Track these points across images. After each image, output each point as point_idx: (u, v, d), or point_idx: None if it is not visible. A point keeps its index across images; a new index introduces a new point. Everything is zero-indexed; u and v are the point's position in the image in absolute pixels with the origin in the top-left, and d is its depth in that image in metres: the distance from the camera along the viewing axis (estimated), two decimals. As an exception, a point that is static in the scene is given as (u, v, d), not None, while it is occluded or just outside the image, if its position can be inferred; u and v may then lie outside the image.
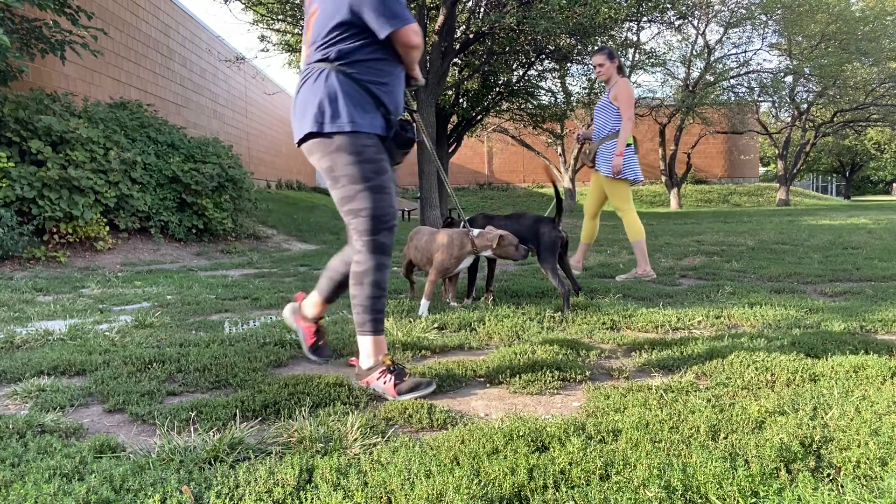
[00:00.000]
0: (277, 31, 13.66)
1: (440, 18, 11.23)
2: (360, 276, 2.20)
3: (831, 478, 1.43)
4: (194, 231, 8.54)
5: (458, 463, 1.54)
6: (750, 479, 1.37)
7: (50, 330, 3.15)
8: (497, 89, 16.58)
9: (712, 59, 24.08)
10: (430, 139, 11.52)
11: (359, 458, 1.59)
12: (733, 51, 24.86)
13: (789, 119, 26.95)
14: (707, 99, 22.33)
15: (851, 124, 28.62)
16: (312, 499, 1.37)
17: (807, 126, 26.87)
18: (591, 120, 5.36)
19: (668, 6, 15.32)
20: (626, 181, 4.99)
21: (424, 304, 3.60)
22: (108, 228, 7.14)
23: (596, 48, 5.96)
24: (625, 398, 2.01)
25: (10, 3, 5.86)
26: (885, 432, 1.61)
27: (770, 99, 25.88)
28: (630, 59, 19.25)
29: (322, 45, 2.22)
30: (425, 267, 3.81)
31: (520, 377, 2.30)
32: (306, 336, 2.43)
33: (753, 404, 1.86)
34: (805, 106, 25.93)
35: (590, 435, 1.68)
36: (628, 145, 4.97)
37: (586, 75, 20.09)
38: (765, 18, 23.12)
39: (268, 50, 13.69)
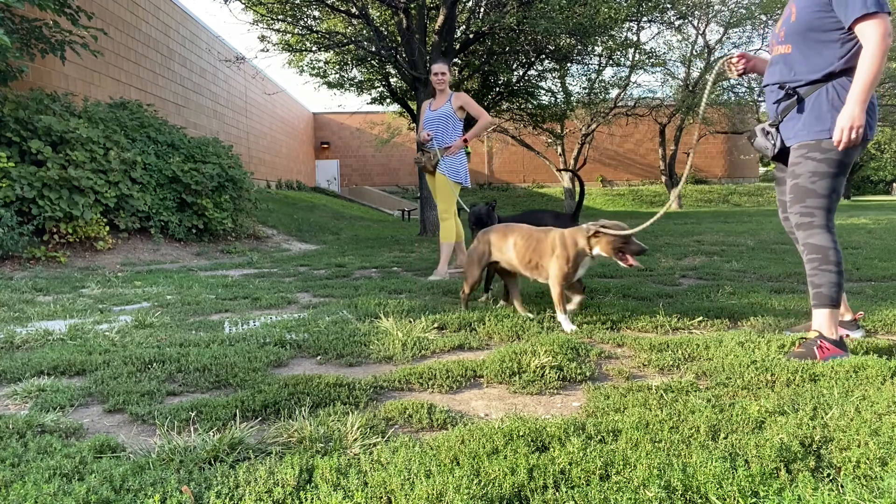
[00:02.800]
0: (277, 31, 13.65)
1: (440, 18, 11.23)
2: None
3: (831, 478, 1.43)
4: (194, 231, 8.54)
5: (458, 463, 1.53)
6: (750, 479, 1.37)
7: (50, 330, 3.15)
8: (497, 89, 16.58)
9: (712, 59, 24.08)
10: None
11: (359, 458, 1.59)
12: (733, 51, 24.84)
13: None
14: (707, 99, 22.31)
15: (851, 124, 28.56)
16: (312, 499, 1.37)
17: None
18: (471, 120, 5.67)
19: (668, 6, 15.32)
20: (459, 185, 5.35)
21: (563, 318, 3.15)
22: (108, 228, 7.14)
23: (438, 58, 6.26)
24: (625, 398, 2.00)
25: (10, 3, 5.86)
26: (885, 432, 1.61)
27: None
28: (630, 59, 19.26)
29: None
30: (530, 273, 3.33)
31: (520, 377, 2.30)
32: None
33: (753, 404, 1.86)
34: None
35: (590, 435, 1.68)
36: (468, 153, 5.41)
37: (586, 75, 20.10)
38: (765, 18, 23.11)
39: (268, 50, 13.67)
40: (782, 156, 2.78)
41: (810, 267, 2.62)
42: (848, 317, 2.88)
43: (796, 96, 2.63)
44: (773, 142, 2.73)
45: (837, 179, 2.59)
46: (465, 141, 5.33)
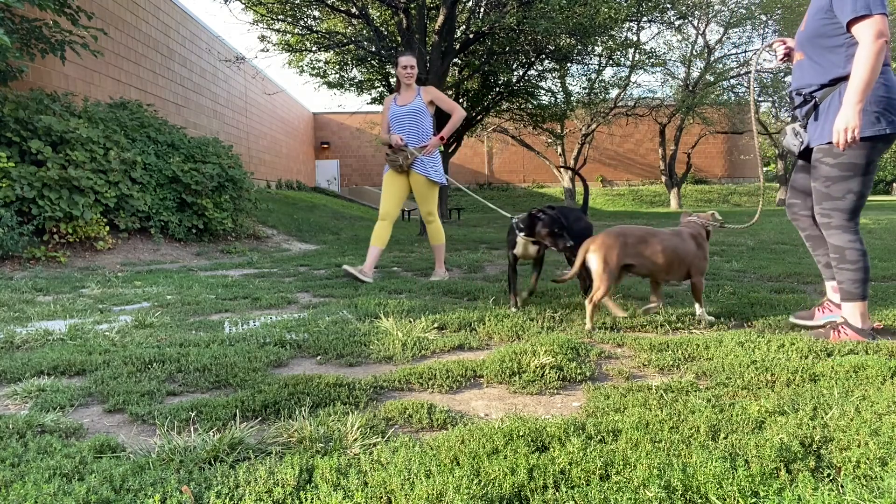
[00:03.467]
0: (277, 31, 13.65)
1: (440, 18, 11.23)
2: None
3: (831, 478, 1.43)
4: (194, 231, 8.54)
5: (458, 463, 1.53)
6: (750, 479, 1.37)
7: (50, 330, 3.15)
8: (497, 89, 16.58)
9: (712, 59, 24.09)
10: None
11: (359, 458, 1.59)
12: (733, 51, 24.88)
13: (789, 119, 26.96)
14: (707, 99, 22.34)
15: (851, 124, 28.54)
16: (312, 499, 1.37)
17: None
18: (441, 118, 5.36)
19: (668, 6, 15.32)
20: (437, 185, 5.11)
21: (704, 311, 3.30)
22: (108, 228, 7.14)
23: (406, 50, 5.81)
24: (625, 398, 2.00)
25: (10, 3, 5.86)
26: (885, 432, 1.61)
27: (770, 99, 25.88)
28: (630, 59, 19.25)
29: None
30: (667, 275, 3.29)
31: (520, 377, 2.30)
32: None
33: (753, 404, 1.86)
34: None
35: (590, 435, 1.68)
36: (440, 151, 5.14)
37: (586, 75, 20.11)
38: (765, 18, 23.12)
39: (268, 50, 13.68)
40: (807, 154, 2.94)
41: (834, 265, 2.82)
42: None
43: (813, 101, 2.76)
44: (800, 140, 2.88)
45: (852, 181, 2.68)
46: (442, 139, 5.12)
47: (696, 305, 3.31)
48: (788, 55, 3.05)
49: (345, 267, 5.12)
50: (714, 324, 3.21)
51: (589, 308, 3.17)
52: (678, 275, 3.28)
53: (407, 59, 5.09)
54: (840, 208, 2.74)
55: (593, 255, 3.19)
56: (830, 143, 2.68)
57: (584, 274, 3.49)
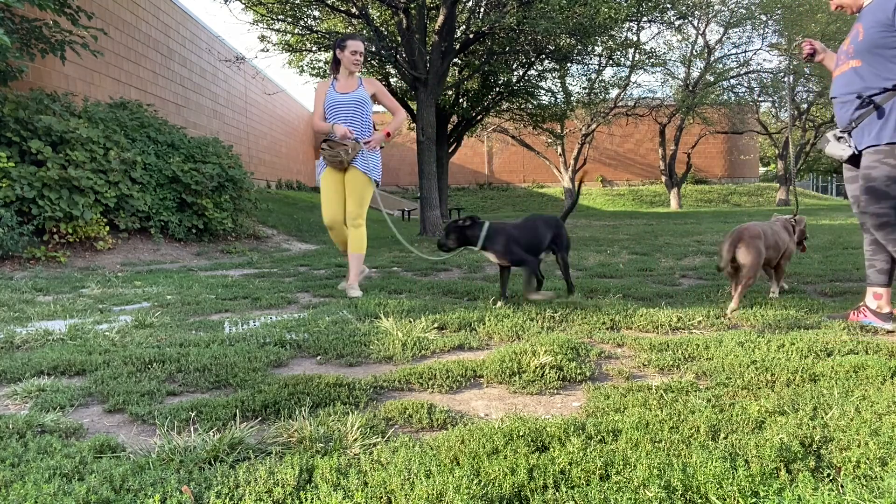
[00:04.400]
0: (277, 31, 13.64)
1: (440, 18, 11.22)
2: None
3: (831, 478, 1.43)
4: (194, 231, 8.54)
5: (458, 463, 1.54)
6: (750, 479, 1.37)
7: (50, 330, 3.15)
8: (497, 89, 16.57)
9: (712, 59, 24.09)
10: (431, 139, 11.51)
11: (359, 458, 1.59)
12: (733, 51, 24.88)
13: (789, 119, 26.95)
14: (707, 99, 22.33)
15: (851, 124, 28.53)
16: (312, 499, 1.38)
17: (807, 126, 26.88)
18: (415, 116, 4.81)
19: (668, 6, 15.32)
20: (373, 186, 4.67)
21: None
22: (108, 228, 7.14)
23: (355, 34, 5.23)
24: (625, 398, 2.00)
25: (10, 3, 5.86)
26: (885, 432, 1.61)
27: (770, 99, 25.88)
28: (630, 59, 19.25)
29: None
30: (774, 263, 3.84)
31: (520, 377, 2.30)
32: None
33: (753, 404, 1.87)
34: (805, 106, 25.92)
35: (590, 435, 1.68)
36: (381, 147, 4.79)
37: (586, 75, 20.11)
38: (765, 18, 23.11)
39: (268, 50, 13.67)
40: (854, 158, 3.08)
41: None
42: (886, 309, 3.13)
43: (872, 104, 2.93)
44: (847, 144, 3.05)
45: None
46: (388, 135, 4.73)
47: (774, 285, 3.94)
48: (812, 55, 3.28)
49: (341, 288, 4.70)
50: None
51: (737, 294, 3.47)
52: (776, 261, 3.78)
53: (357, 44, 4.64)
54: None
55: (747, 250, 3.47)
56: (892, 142, 2.85)
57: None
